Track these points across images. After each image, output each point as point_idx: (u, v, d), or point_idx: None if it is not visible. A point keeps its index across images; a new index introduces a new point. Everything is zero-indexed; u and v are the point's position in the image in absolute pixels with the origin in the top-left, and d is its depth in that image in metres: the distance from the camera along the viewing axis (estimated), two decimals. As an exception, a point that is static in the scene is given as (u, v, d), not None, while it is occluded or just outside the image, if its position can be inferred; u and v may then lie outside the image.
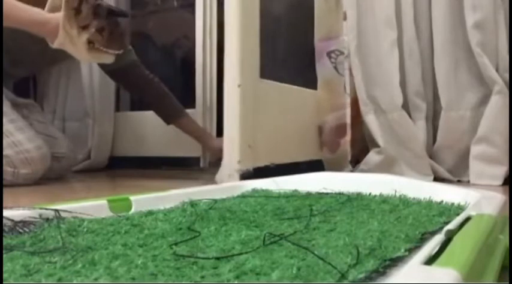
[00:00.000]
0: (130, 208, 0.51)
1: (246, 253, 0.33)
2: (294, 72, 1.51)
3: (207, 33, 1.77)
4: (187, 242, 0.37)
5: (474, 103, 1.27)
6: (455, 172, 1.31)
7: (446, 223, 0.43)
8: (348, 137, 1.41)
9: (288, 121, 1.34)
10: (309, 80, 1.48)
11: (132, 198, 0.51)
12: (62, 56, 1.16)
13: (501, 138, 1.19)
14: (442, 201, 0.56)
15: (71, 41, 1.04)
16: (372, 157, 1.37)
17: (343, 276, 0.27)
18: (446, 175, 1.30)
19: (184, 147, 1.74)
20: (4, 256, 0.32)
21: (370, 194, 0.63)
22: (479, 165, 1.23)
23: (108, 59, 1.14)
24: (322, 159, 1.46)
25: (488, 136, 1.21)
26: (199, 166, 1.77)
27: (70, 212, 0.44)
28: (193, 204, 0.54)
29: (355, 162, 1.45)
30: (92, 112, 1.85)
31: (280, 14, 1.60)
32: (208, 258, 0.32)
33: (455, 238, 0.31)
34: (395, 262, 0.31)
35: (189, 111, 1.59)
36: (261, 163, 1.18)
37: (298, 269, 0.29)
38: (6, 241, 0.36)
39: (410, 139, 1.31)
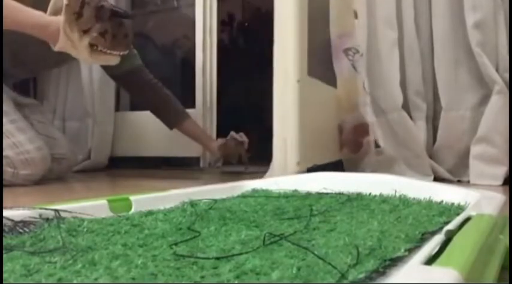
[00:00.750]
0: (130, 208, 0.51)
1: (246, 253, 0.33)
2: (321, 70, 1.47)
3: (207, 33, 1.78)
4: (187, 242, 0.37)
5: (474, 103, 1.27)
6: (455, 172, 1.31)
7: (446, 223, 0.43)
8: (371, 137, 1.36)
9: (321, 120, 1.28)
10: (330, 78, 1.43)
11: (132, 198, 0.51)
12: (66, 57, 1.14)
13: (501, 138, 1.19)
14: (442, 201, 0.56)
15: (73, 44, 1.02)
16: (372, 157, 1.36)
17: (343, 276, 0.27)
18: (446, 175, 1.30)
19: (184, 147, 1.74)
20: (4, 256, 0.32)
21: (370, 194, 0.63)
22: (479, 165, 1.23)
23: (113, 60, 1.10)
24: (342, 159, 1.41)
25: (488, 136, 1.21)
26: (199, 166, 1.78)
27: (70, 212, 0.44)
28: (193, 204, 0.54)
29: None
30: (92, 112, 1.85)
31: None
32: (208, 258, 0.32)
33: (455, 238, 0.31)
34: (395, 262, 0.31)
35: (189, 111, 1.59)
36: (310, 164, 1.11)
37: (298, 269, 0.29)
38: (6, 241, 0.36)
39: (410, 139, 1.31)
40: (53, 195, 1.03)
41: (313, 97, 1.19)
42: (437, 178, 1.29)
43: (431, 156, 1.33)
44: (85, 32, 1.01)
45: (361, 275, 0.27)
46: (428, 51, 1.35)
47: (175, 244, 0.36)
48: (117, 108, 1.96)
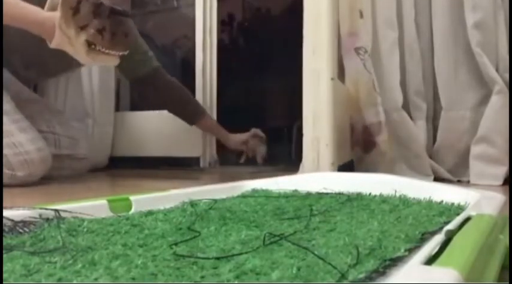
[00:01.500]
0: (130, 208, 0.51)
1: (246, 253, 0.33)
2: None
3: (207, 33, 1.78)
4: (187, 242, 0.37)
5: (474, 103, 1.27)
6: (455, 172, 1.30)
7: (446, 223, 0.43)
8: (384, 136, 1.33)
9: (343, 119, 1.25)
10: (339, 76, 1.41)
11: (132, 198, 0.51)
12: (78, 62, 1.09)
13: (501, 138, 1.19)
14: (442, 201, 0.56)
15: (69, 41, 0.98)
16: (386, 156, 1.35)
17: (343, 276, 0.27)
18: (447, 175, 1.30)
19: (184, 147, 1.74)
20: (4, 256, 0.32)
21: (370, 194, 0.63)
22: (479, 165, 1.22)
23: (112, 61, 1.06)
24: (353, 159, 1.39)
25: (488, 136, 1.21)
26: (199, 166, 1.78)
27: (70, 212, 0.44)
28: (193, 204, 0.54)
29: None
30: (92, 112, 1.85)
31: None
32: (208, 258, 0.32)
33: (455, 238, 0.31)
34: (395, 262, 0.31)
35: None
36: (340, 163, 1.09)
37: (298, 269, 0.29)
38: (6, 241, 0.36)
39: (411, 139, 1.31)
40: (52, 195, 1.03)
41: (340, 96, 1.17)
42: (438, 178, 1.29)
43: (431, 156, 1.33)
44: (82, 28, 0.98)
45: (361, 275, 0.27)
46: (428, 51, 1.35)
47: (175, 244, 0.36)
48: (117, 108, 1.96)
